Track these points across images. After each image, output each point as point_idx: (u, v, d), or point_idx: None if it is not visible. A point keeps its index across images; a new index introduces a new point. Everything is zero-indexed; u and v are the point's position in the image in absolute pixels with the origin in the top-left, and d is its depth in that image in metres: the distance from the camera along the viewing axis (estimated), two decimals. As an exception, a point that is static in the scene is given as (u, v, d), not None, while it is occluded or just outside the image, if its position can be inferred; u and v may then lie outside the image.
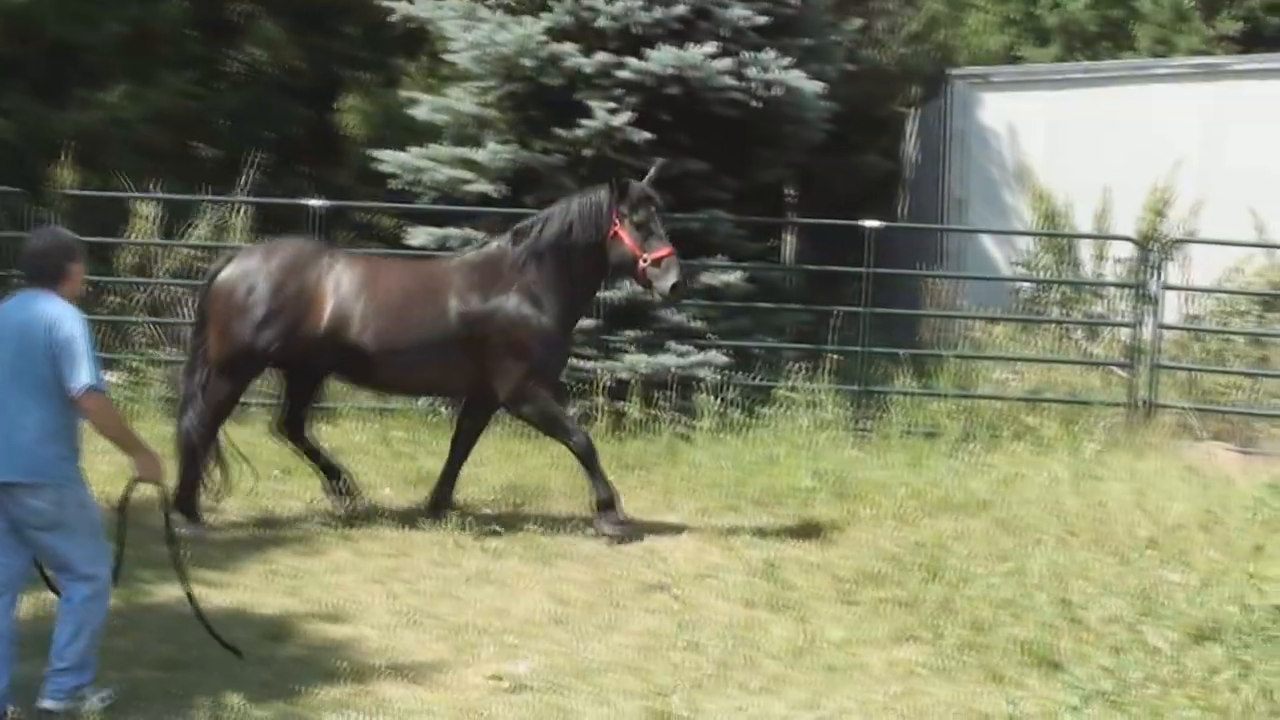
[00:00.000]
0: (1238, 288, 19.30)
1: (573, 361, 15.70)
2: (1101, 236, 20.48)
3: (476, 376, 12.06)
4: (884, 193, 25.54)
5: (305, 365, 12.17)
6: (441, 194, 17.77)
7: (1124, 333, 18.13)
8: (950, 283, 19.66)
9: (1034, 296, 20.76)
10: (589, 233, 12.03)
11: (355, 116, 26.48)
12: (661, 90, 16.48)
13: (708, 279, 16.88)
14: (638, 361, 16.12)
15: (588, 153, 16.64)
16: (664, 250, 11.94)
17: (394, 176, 18.08)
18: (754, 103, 16.73)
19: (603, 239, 12.02)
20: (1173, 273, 18.32)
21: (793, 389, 15.92)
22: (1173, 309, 18.66)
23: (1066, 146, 21.66)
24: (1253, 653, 8.84)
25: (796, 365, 16.25)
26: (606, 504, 11.91)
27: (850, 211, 19.52)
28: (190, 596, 8.31)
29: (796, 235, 25.54)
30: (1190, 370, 17.40)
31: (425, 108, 18.23)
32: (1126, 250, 19.13)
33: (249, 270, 12.01)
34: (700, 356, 16.29)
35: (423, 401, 15.89)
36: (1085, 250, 20.82)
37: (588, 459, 11.99)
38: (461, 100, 18.02)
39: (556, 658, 8.64)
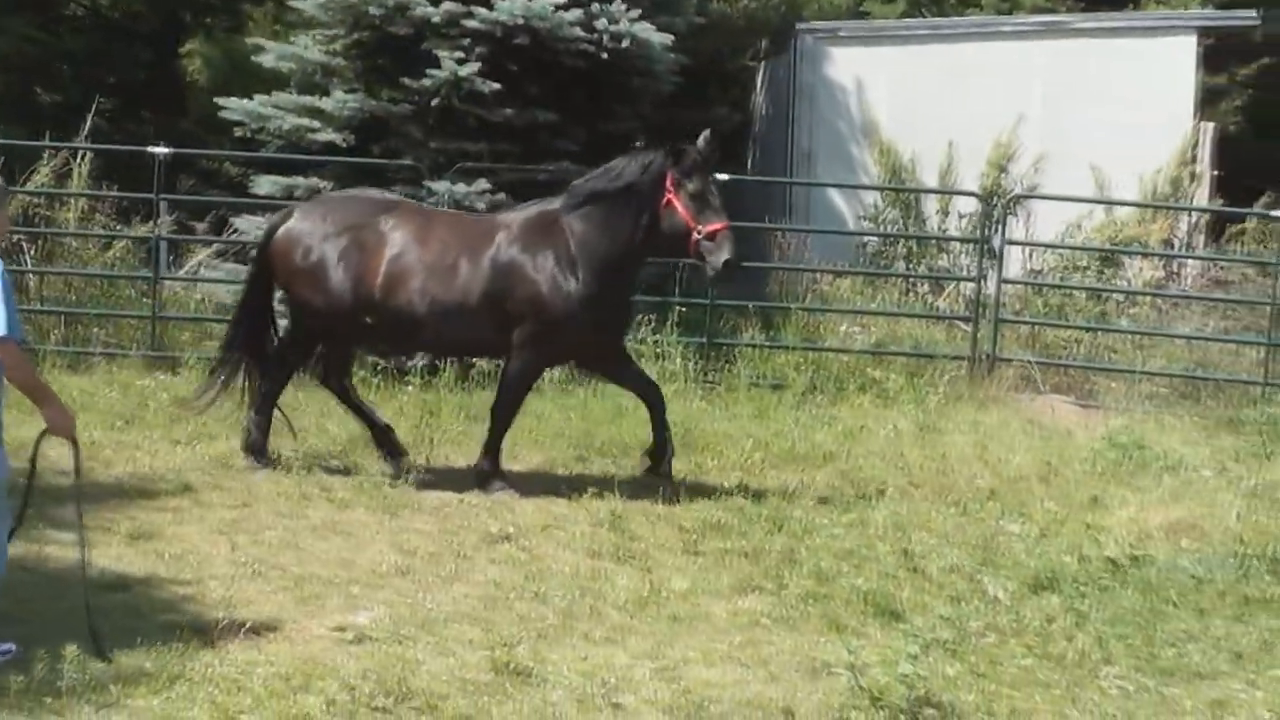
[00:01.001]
0: (1078, 243, 19.61)
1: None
2: (946, 191, 20.74)
3: (498, 336, 11.65)
4: (732, 146, 25.58)
5: (358, 326, 11.86)
6: (287, 142, 17.63)
7: (967, 287, 18.37)
8: (797, 236, 19.81)
9: (880, 250, 20.97)
10: (640, 198, 11.35)
11: (200, 63, 26.15)
12: (510, 40, 16.41)
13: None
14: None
15: (435, 102, 16.52)
16: (719, 224, 11.15)
17: (239, 124, 17.91)
18: (603, 54, 16.71)
19: (654, 206, 11.32)
20: (1015, 228, 18.59)
21: (640, 341, 15.93)
22: (1015, 264, 18.93)
23: (912, 102, 21.88)
24: (1088, 602, 9.02)
25: (644, 317, 16.26)
26: (488, 472, 11.65)
27: (700, 164, 19.55)
28: (84, 562, 8.12)
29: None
30: (1032, 324, 17.65)
31: (271, 55, 18.06)
32: (971, 205, 19.37)
33: (306, 231, 11.83)
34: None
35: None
36: (930, 205, 21.06)
37: (490, 444, 11.74)
38: (308, 48, 17.86)
39: (400, 608, 8.60)
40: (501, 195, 16.03)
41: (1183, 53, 21.99)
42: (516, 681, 7.42)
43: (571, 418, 13.89)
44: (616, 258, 11.44)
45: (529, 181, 16.23)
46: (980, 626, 8.55)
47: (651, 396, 12.01)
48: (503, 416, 11.76)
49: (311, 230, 11.80)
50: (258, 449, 11.93)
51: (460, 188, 16.02)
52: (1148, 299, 18.79)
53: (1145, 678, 7.82)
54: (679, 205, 11.18)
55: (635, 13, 16.82)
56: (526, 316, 11.40)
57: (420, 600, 8.82)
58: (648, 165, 11.35)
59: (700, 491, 11.62)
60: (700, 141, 11.38)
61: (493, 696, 7.20)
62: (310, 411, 13.23)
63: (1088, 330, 17.63)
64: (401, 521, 10.64)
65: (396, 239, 11.59)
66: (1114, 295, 18.80)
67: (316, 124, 17.42)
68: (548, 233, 11.53)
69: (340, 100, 17.16)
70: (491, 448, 11.70)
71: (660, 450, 11.99)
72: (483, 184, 16.15)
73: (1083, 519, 11.12)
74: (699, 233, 11.12)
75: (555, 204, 11.72)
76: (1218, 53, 23.49)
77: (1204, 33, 22.38)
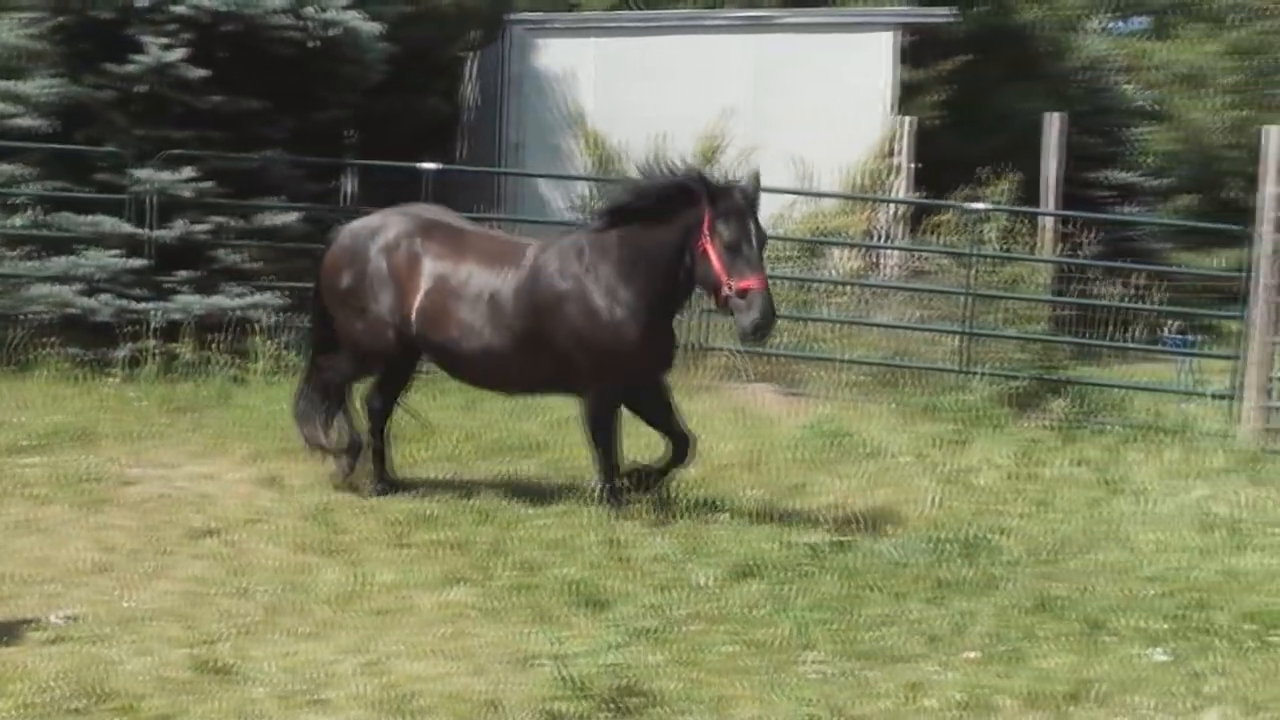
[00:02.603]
0: (783, 234, 19.94)
1: (122, 303, 15.36)
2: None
3: (556, 373, 11.00)
4: (443, 135, 25.56)
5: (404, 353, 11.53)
6: (-15, 128, 17.14)
7: (677, 277, 18.50)
8: (507, 227, 19.80)
9: (589, 240, 21.04)
10: (672, 237, 10.45)
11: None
12: (218, 27, 16.23)
13: (264, 220, 16.67)
14: (191, 302, 15.86)
15: (141, 89, 16.22)
16: (752, 280, 10.15)
17: (-68, 108, 17.36)
18: (311, 42, 16.57)
19: (689, 248, 10.39)
20: (721, 219, 18.77)
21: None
22: (724, 254, 19.14)
23: (621, 93, 22.07)
24: (791, 588, 9.18)
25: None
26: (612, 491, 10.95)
27: (410, 153, 19.50)
28: None
29: (356, 177, 25.34)
30: (738, 313, 17.85)
31: (-32, 38, 17.54)
32: (679, 196, 19.55)
33: (349, 252, 11.40)
34: (255, 298, 16.11)
35: None
36: (640, 195, 21.17)
37: (608, 497, 10.95)
38: (9, 31, 17.39)
39: (99, 607, 8.42)
40: (209, 183, 15.82)
41: (883, 48, 22.56)
42: (218, 679, 7.31)
43: (278, 409, 13.67)
44: (656, 282, 10.60)
45: (237, 169, 16.04)
46: (685, 614, 8.63)
47: (680, 450, 11.16)
48: (599, 445, 11.00)
49: (356, 250, 11.42)
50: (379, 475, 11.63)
51: (166, 175, 15.75)
52: (850, 289, 19.18)
53: (844, 661, 7.97)
54: (712, 253, 10.24)
55: (344, 1, 16.70)
56: (575, 351, 10.75)
57: (120, 598, 8.64)
58: (682, 200, 10.39)
59: (409, 483, 11.58)
60: (748, 183, 10.54)
61: (193, 695, 7.09)
62: (7, 405, 12.86)
63: (793, 320, 17.93)
64: (102, 518, 10.41)
65: (431, 265, 11.13)
66: (817, 285, 19.15)
67: (16, 109, 17.06)
68: (581, 259, 10.78)
69: (41, 85, 16.78)
70: (606, 472, 10.98)
71: (656, 472, 11.24)
72: (189, 171, 15.91)
73: (787, 505, 11.32)
74: (729, 287, 10.17)
75: (589, 228, 11.06)
76: (918, 48, 24.11)
77: (904, 29, 22.95)
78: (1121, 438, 15.70)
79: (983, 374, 16.83)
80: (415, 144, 23.20)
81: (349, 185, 23.79)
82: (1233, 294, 17.47)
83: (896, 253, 21.11)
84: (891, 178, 22.05)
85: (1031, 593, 9.21)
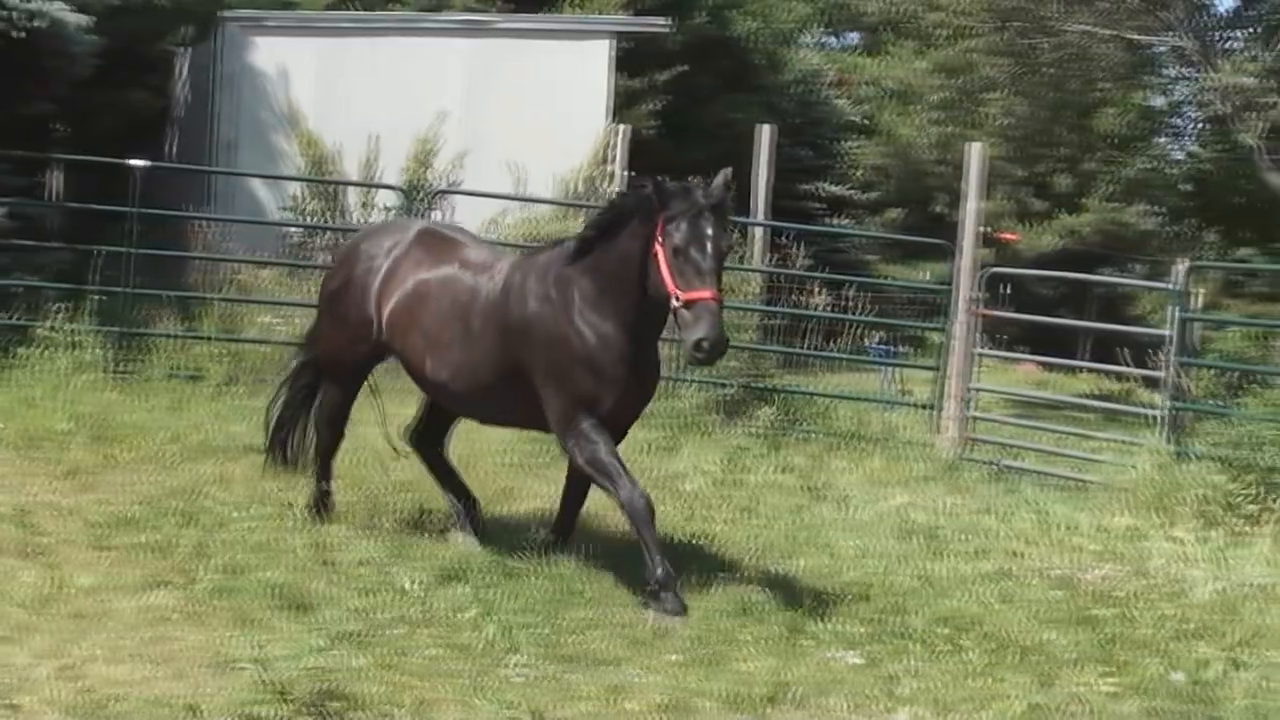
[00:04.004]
0: (498, 238, 20.03)
1: None
2: (369, 184, 20.84)
3: (530, 407, 9.82)
4: (154, 132, 25.15)
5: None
6: None
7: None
8: (218, 225, 19.59)
9: (302, 241, 20.93)
10: (627, 244, 9.31)
11: None
12: (-86, 17, 15.74)
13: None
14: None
15: None
16: (701, 292, 8.82)
17: None
18: (16, 33, 16.16)
19: (645, 256, 9.19)
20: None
21: (52, 329, 15.48)
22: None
23: (337, 94, 21.99)
24: (496, 592, 9.22)
25: (57, 306, 15.79)
26: (664, 583, 9.14)
27: (119, 149, 19.14)
28: None
29: (64, 172, 24.81)
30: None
31: None
32: (394, 199, 19.54)
33: (342, 258, 11.12)
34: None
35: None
36: (353, 197, 21.13)
37: (639, 520, 9.34)
38: None
39: None
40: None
41: (598, 56, 22.79)
42: (-96, 686, 7.13)
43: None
44: (633, 305, 9.36)
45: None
46: (390, 618, 8.63)
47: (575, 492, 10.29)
48: (634, 517, 9.37)
49: (345, 261, 10.99)
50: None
51: None
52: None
53: (548, 664, 8.04)
54: (661, 260, 9.03)
55: (51, -9, 16.38)
56: (547, 381, 9.63)
57: None
58: (636, 205, 9.36)
59: (111, 484, 11.38)
60: (718, 181, 9.37)
61: (-124, 703, 6.90)
62: None
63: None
64: None
65: (404, 283, 10.36)
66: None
67: None
68: (557, 279, 9.65)
69: None
70: (652, 552, 9.20)
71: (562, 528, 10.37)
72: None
73: (495, 510, 11.36)
74: (677, 299, 8.89)
75: (569, 244, 9.88)
76: (634, 57, 24.37)
77: (619, 37, 23.19)
78: (826, 446, 16.06)
79: (692, 382, 17.06)
80: (126, 140, 22.82)
81: (55, 181, 23.32)
82: (937, 306, 17.98)
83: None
84: (606, 185, 22.23)
85: (734, 597, 9.36)
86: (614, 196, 10.11)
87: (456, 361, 10.04)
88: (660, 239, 8.97)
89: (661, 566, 9.11)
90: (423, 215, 17.99)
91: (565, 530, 10.41)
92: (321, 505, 10.90)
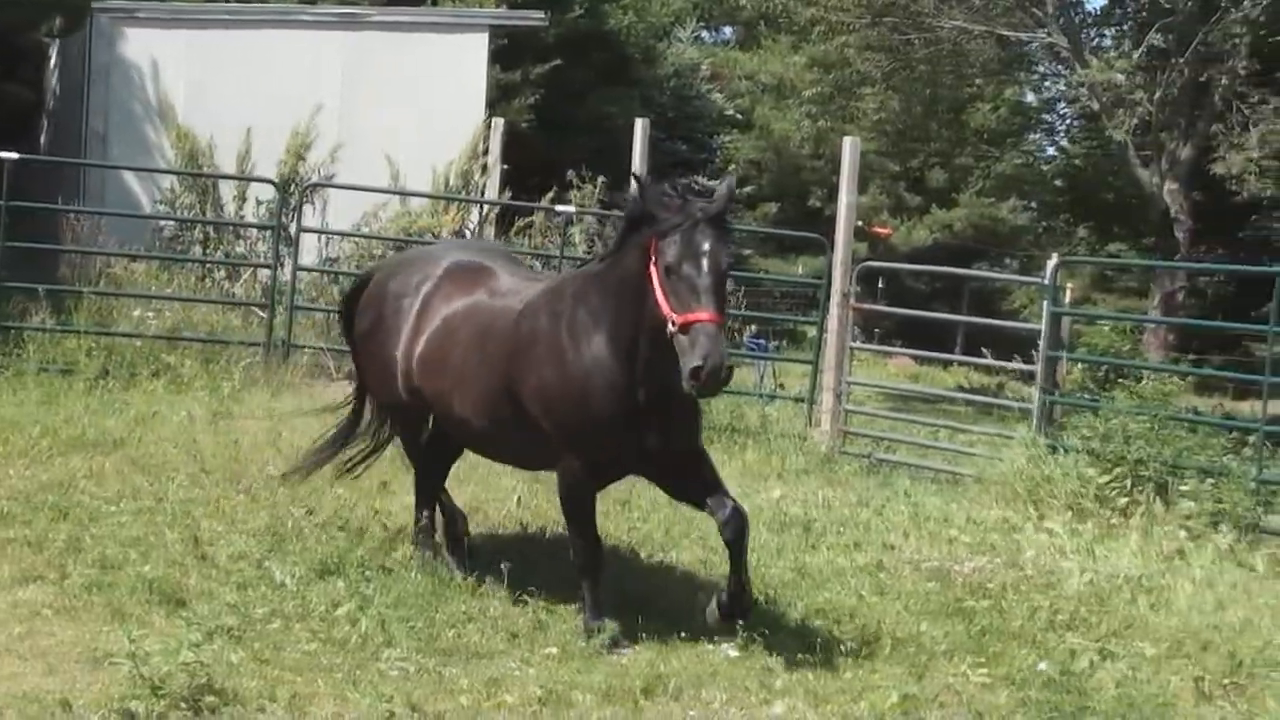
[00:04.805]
0: (374, 232, 20.00)
1: None
2: (242, 178, 20.72)
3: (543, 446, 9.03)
4: (26, 123, 24.85)
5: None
6: None
7: (264, 273, 18.43)
8: (91, 219, 19.42)
9: (176, 235, 20.80)
10: (628, 260, 8.45)
11: None
12: None
13: None
14: None
15: None
16: (699, 313, 7.92)
17: None
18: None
19: (641, 276, 8.31)
20: (312, 216, 18.78)
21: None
22: (312, 251, 19.13)
23: (211, 87, 21.83)
24: (372, 586, 9.21)
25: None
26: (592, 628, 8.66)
27: (-11, 141, 18.93)
28: None
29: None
30: (327, 311, 17.84)
31: None
32: (269, 192, 19.42)
33: (370, 296, 10.25)
34: None
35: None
36: (227, 190, 20.99)
37: (586, 575, 8.90)
38: None
39: None
40: None
41: (474, 50, 22.77)
42: None
43: None
44: (636, 337, 8.41)
45: None
46: (265, 613, 8.60)
47: (732, 526, 8.82)
48: (569, 520, 9.15)
49: (374, 294, 10.27)
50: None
51: None
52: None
53: (425, 658, 8.06)
54: (655, 280, 8.16)
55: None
56: (543, 418, 8.82)
57: None
58: (633, 220, 8.51)
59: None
60: (720, 189, 8.44)
61: None
62: None
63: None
64: None
65: (434, 317, 9.63)
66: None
67: None
68: (561, 308, 8.85)
69: None
70: (581, 571, 8.96)
71: (733, 601, 8.84)
72: None
73: (371, 504, 11.33)
74: (673, 323, 8.00)
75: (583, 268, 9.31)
76: (510, 51, 24.38)
77: (495, 31, 23.19)
78: (704, 439, 16.11)
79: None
80: (-4, 131, 22.57)
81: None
82: (812, 300, 18.12)
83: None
84: (482, 179, 22.22)
85: (611, 590, 9.39)
86: (625, 198, 9.04)
87: (475, 394, 9.26)
88: (654, 257, 8.13)
89: (598, 611, 8.73)
90: (297, 209, 17.93)
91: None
92: (422, 537, 10.21)
